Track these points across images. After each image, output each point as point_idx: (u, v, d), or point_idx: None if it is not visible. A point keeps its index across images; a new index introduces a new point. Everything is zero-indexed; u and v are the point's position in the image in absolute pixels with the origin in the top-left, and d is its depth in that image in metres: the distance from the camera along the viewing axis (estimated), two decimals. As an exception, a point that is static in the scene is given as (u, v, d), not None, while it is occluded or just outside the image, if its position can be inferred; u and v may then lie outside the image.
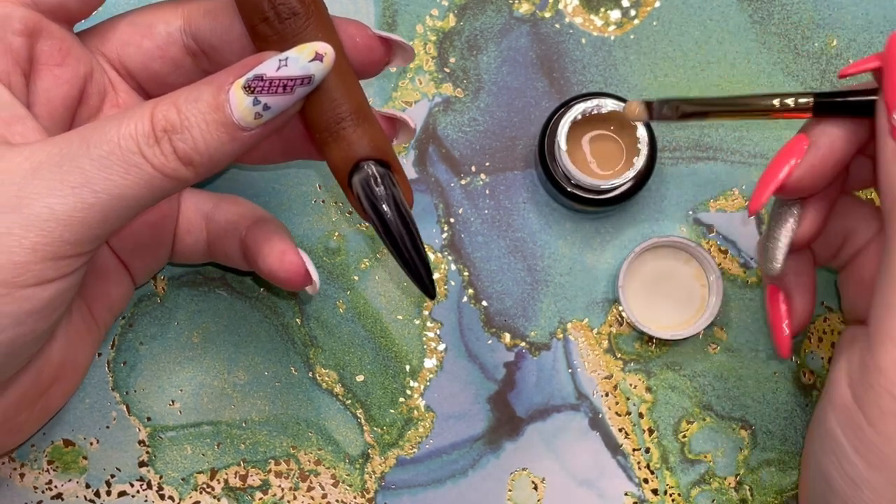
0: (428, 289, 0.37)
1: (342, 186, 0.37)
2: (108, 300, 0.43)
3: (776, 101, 0.38)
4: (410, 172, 0.49)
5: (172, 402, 0.48)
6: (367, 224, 0.48)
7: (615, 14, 0.49)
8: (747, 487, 0.47)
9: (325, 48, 0.34)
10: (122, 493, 0.47)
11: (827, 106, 0.38)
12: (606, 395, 0.48)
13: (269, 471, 0.47)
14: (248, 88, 0.34)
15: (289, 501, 0.47)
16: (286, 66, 0.34)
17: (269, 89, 0.34)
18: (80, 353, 0.41)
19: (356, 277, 0.48)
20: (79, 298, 0.41)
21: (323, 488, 0.47)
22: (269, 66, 0.34)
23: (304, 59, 0.34)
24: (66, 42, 0.39)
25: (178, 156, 0.34)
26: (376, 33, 0.39)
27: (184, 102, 0.34)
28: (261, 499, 0.47)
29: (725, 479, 0.47)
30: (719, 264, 0.48)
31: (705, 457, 0.48)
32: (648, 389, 0.48)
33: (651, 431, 0.48)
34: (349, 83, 0.36)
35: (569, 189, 0.46)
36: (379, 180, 0.36)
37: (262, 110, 0.34)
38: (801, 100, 0.38)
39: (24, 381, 0.38)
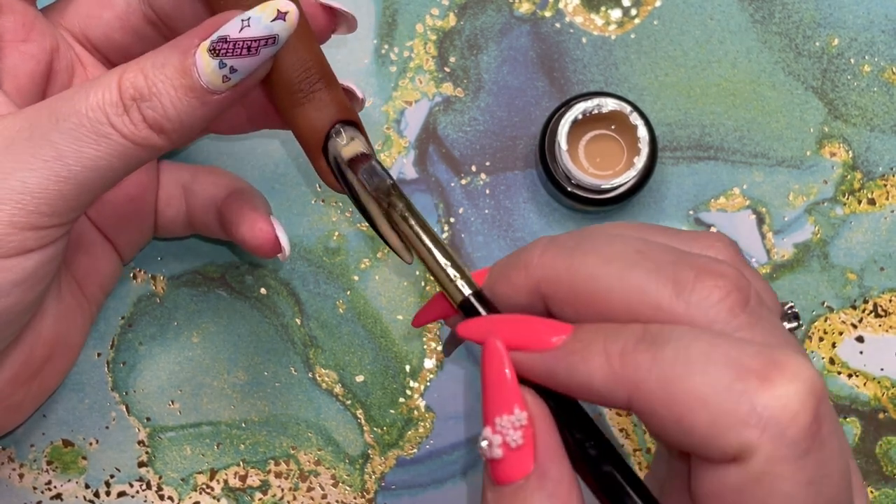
0: (401, 252, 0.36)
1: (313, 151, 0.36)
2: (98, 277, 0.43)
3: (449, 274, 0.34)
4: (411, 172, 0.49)
5: (172, 402, 0.48)
6: (366, 224, 0.48)
7: (616, 13, 0.49)
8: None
9: (286, 6, 0.33)
10: (121, 494, 0.47)
11: (468, 310, 0.33)
12: (607, 395, 0.48)
13: (269, 471, 0.47)
14: (214, 51, 0.33)
15: (289, 502, 0.47)
16: (249, 26, 0.33)
17: (233, 51, 0.33)
18: (73, 330, 0.41)
19: (356, 277, 0.48)
20: (68, 276, 0.41)
21: (323, 489, 0.47)
22: (232, 26, 0.33)
23: (267, 19, 0.33)
24: (29, 17, 0.38)
25: (148, 123, 0.33)
26: (319, 1, 0.38)
27: (151, 68, 0.33)
28: (260, 499, 0.47)
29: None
30: (720, 264, 0.48)
31: (706, 457, 0.48)
32: (649, 389, 0.48)
33: (651, 432, 0.48)
34: (315, 45, 0.36)
35: (569, 189, 0.46)
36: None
37: (230, 73, 0.33)
38: (460, 291, 0.33)
39: (16, 359, 0.38)
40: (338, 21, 0.39)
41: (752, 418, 0.26)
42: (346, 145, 0.36)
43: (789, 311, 0.33)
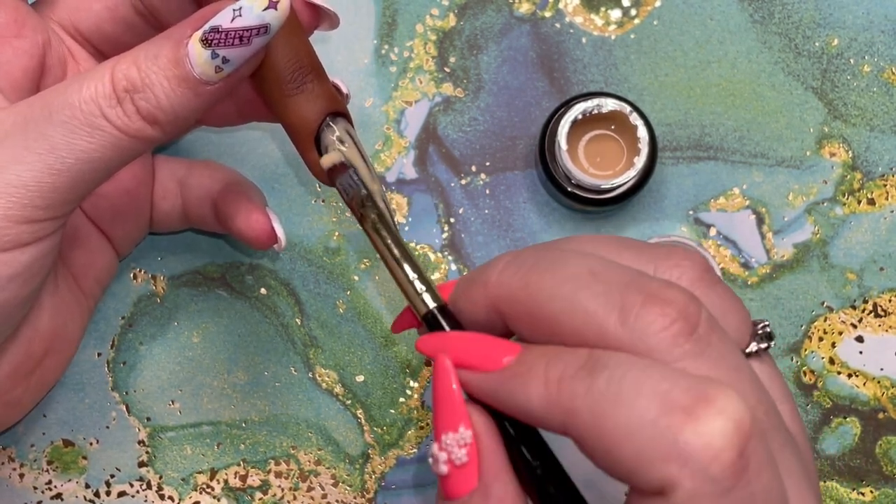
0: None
1: (304, 143, 0.36)
2: (94, 271, 0.43)
3: (416, 288, 0.33)
4: (410, 172, 0.49)
5: (172, 402, 0.48)
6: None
7: (615, 13, 0.49)
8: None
9: None
10: (121, 494, 0.47)
11: (432, 324, 0.33)
12: (607, 395, 0.48)
13: (269, 471, 0.47)
14: (206, 41, 0.33)
15: (289, 502, 0.47)
16: (241, 16, 0.33)
17: (225, 42, 0.33)
18: (71, 324, 0.41)
19: (356, 277, 0.48)
20: (64, 270, 0.41)
21: (323, 488, 0.47)
22: (224, 17, 0.33)
23: (258, 8, 0.33)
24: (21, 12, 0.38)
25: (142, 115, 0.33)
26: None
27: (143, 60, 0.33)
28: (260, 499, 0.47)
29: (726, 479, 0.47)
30: (719, 264, 0.48)
31: (706, 457, 0.48)
32: (649, 389, 0.48)
33: (651, 431, 0.48)
34: (305, 37, 0.36)
35: (569, 189, 0.46)
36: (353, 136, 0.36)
37: (222, 63, 0.33)
38: (424, 304, 0.33)
39: (15, 354, 0.38)
40: (321, 18, 0.39)
41: (673, 454, 0.26)
42: (326, 155, 0.36)
43: (761, 332, 0.32)
